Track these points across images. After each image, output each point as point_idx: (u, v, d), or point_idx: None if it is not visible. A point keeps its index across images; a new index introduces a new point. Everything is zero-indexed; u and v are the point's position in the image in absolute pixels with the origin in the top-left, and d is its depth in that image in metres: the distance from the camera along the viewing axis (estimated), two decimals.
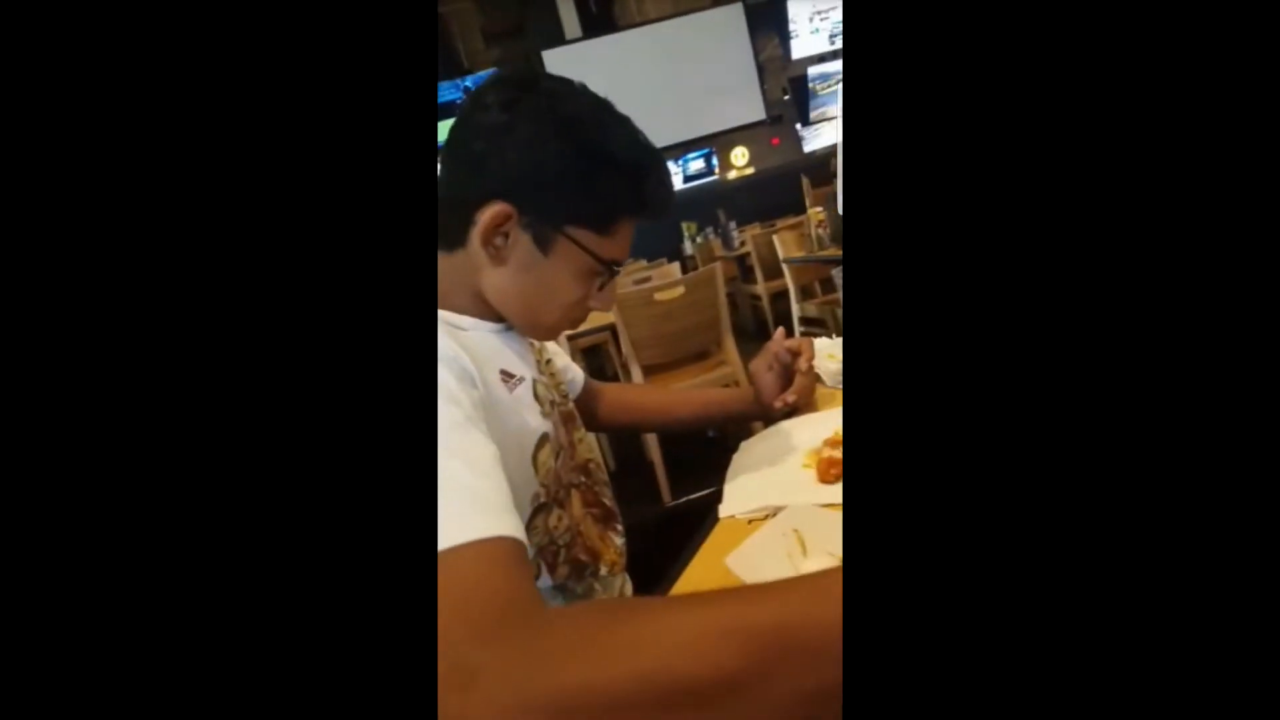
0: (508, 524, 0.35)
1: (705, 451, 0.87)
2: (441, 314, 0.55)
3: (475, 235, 0.52)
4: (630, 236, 0.56)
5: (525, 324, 0.59)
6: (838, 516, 0.53)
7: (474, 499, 0.36)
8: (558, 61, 5.01)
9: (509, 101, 0.51)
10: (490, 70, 5.35)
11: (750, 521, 0.58)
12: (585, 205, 0.52)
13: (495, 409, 0.50)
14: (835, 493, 0.58)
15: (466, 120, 0.52)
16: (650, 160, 0.54)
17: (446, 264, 0.55)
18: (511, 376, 0.56)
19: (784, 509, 0.56)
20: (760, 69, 5.60)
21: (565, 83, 0.53)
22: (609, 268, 0.55)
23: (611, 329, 2.14)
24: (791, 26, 5.25)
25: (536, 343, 0.68)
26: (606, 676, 0.26)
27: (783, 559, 0.50)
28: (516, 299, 0.56)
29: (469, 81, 5.20)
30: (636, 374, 2.02)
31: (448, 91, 5.13)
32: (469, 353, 0.48)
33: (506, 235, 0.52)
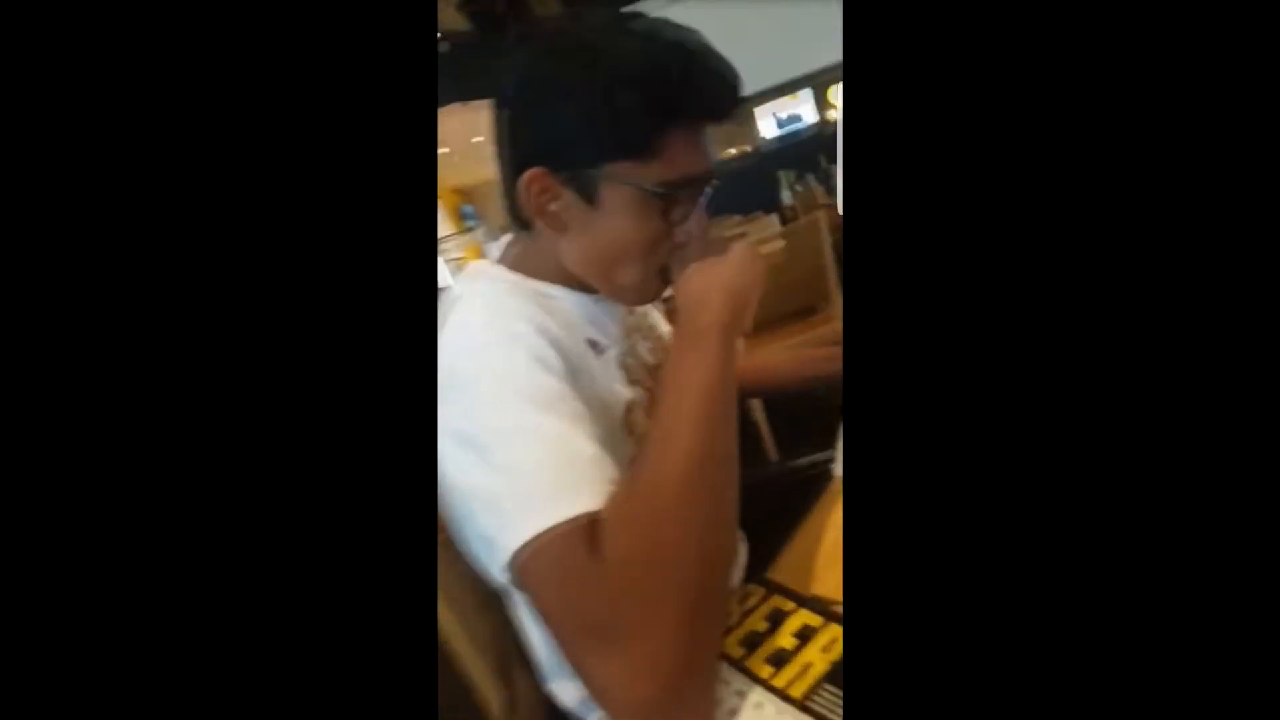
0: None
1: (812, 410, 0.85)
2: (532, 283, 0.53)
3: (528, 208, 0.49)
4: (693, 147, 0.48)
5: (612, 291, 0.54)
6: None
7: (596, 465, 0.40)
8: None
9: (523, 78, 0.48)
10: None
11: None
12: (612, 134, 0.46)
13: (584, 375, 0.49)
14: None
15: (502, 108, 0.50)
16: (672, 57, 0.45)
17: (529, 245, 0.54)
18: (597, 345, 0.54)
19: None
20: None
21: (571, 17, 0.49)
22: (669, 192, 0.48)
23: None
24: None
25: (635, 310, 0.65)
26: None
27: None
28: (593, 264, 0.52)
29: None
30: None
31: None
32: (556, 319, 0.48)
33: (551, 196, 0.48)
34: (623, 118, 0.45)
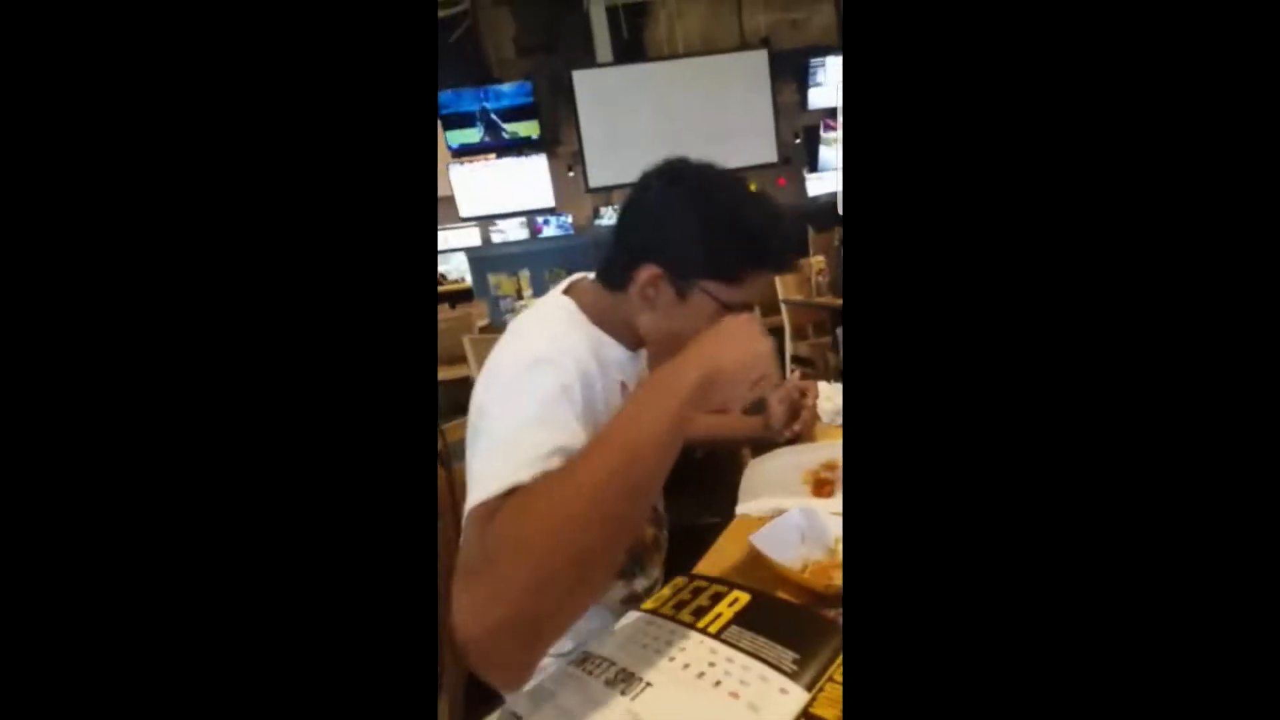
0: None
1: (695, 469, 1.04)
2: (593, 328, 0.73)
3: (633, 287, 0.70)
4: (761, 284, 0.71)
5: (664, 354, 0.69)
6: (830, 519, 0.73)
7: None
8: (587, 82, 5.21)
9: (665, 184, 0.70)
10: (521, 82, 5.53)
11: (762, 519, 0.78)
12: (715, 264, 0.68)
13: (606, 410, 0.69)
14: (826, 504, 0.78)
15: (638, 196, 0.72)
16: (771, 223, 0.68)
17: (612, 299, 0.74)
18: (627, 387, 0.75)
19: (791, 510, 0.76)
20: (776, 110, 5.86)
21: (708, 167, 0.72)
22: (738, 309, 0.68)
23: None
24: (814, 75, 5.56)
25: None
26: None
27: (793, 544, 0.70)
28: (664, 340, 0.73)
29: (487, 98, 5.38)
30: None
31: (469, 101, 5.35)
32: (599, 362, 0.69)
33: (656, 288, 0.70)
34: (728, 255, 0.68)
